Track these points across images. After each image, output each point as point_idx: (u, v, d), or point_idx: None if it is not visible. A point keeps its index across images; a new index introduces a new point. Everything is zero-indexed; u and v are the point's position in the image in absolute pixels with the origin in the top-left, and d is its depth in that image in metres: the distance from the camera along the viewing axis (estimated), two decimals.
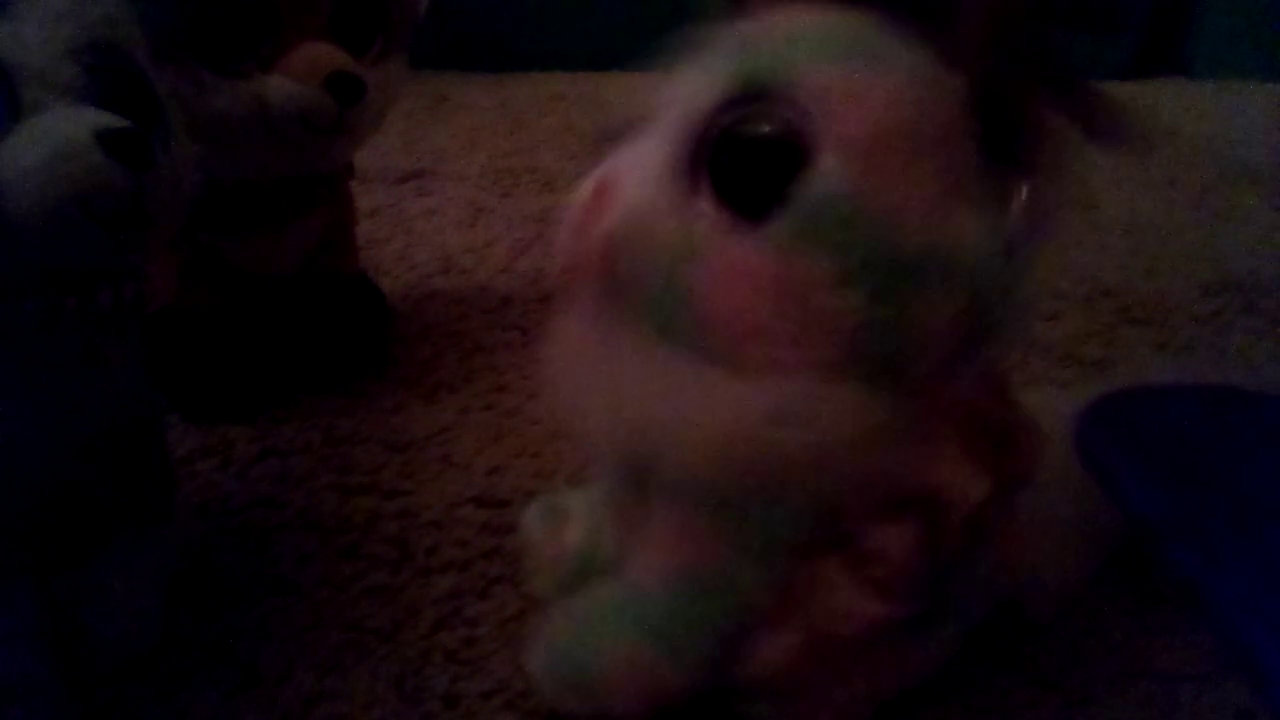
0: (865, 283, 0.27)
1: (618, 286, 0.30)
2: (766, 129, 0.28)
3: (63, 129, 0.30)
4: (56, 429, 0.33)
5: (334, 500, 0.46)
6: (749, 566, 0.31)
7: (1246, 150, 0.96)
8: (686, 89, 0.29)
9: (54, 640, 0.35)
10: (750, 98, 0.28)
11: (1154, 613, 0.40)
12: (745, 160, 0.28)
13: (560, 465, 0.49)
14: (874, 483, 0.29)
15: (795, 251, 0.27)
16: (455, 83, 1.17)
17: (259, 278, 0.53)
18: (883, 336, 0.28)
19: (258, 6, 0.45)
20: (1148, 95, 1.11)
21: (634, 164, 0.30)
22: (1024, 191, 0.28)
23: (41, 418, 0.33)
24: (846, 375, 0.28)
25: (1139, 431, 0.47)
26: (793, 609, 0.31)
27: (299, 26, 0.46)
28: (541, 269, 0.71)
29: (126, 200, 0.31)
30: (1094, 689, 0.36)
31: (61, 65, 0.31)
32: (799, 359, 0.28)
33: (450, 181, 0.88)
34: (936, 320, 0.28)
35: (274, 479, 0.48)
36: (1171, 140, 0.98)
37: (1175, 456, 0.46)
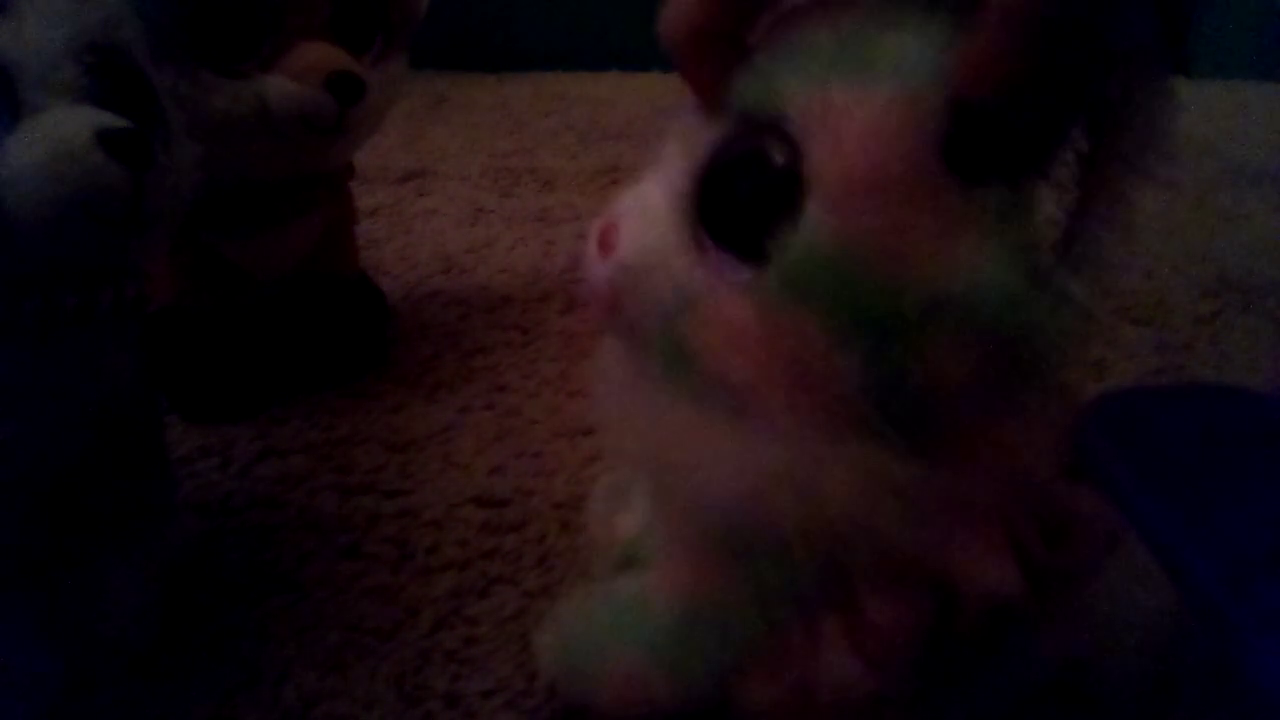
0: (861, 342, 0.24)
1: (628, 327, 0.29)
2: (752, 168, 0.25)
3: (63, 129, 0.30)
4: (56, 429, 0.33)
5: (334, 500, 0.46)
6: (750, 608, 0.30)
7: (1246, 150, 0.96)
8: (691, 117, 0.27)
9: (54, 640, 0.35)
10: (748, 128, 0.26)
11: None
12: (734, 201, 0.26)
13: (561, 465, 0.49)
14: (886, 553, 0.27)
15: (783, 309, 0.25)
16: (455, 83, 1.17)
17: (259, 278, 0.53)
18: (888, 396, 0.25)
19: (258, 6, 0.45)
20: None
21: (641, 201, 0.28)
22: (1057, 205, 0.24)
23: (41, 418, 0.33)
24: (854, 436, 0.25)
25: (1139, 431, 0.47)
26: (785, 658, 0.30)
27: (299, 26, 0.46)
28: (541, 269, 0.71)
29: (126, 200, 0.31)
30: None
31: (61, 65, 0.31)
32: (800, 419, 0.25)
33: (450, 181, 0.88)
34: (950, 371, 0.25)
35: (274, 479, 0.48)
36: (1171, 140, 0.98)
37: (1175, 456, 0.45)
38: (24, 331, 0.31)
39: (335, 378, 0.56)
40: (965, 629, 0.28)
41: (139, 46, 0.35)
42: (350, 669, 0.37)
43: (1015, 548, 0.28)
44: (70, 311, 0.32)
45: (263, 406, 0.53)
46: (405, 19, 0.52)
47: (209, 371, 0.52)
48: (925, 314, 0.24)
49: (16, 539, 0.34)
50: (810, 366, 0.25)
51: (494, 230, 0.78)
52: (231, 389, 0.53)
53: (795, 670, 0.30)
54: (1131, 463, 0.44)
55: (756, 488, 0.26)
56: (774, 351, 0.25)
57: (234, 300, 0.52)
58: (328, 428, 0.52)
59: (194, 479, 0.48)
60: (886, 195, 0.24)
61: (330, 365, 0.56)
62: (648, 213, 0.28)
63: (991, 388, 0.25)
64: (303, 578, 0.42)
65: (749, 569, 0.29)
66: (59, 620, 0.36)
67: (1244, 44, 1.19)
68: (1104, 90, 0.23)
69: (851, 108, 0.24)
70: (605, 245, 0.28)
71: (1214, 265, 0.72)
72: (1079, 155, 0.23)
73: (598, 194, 0.86)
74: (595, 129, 1.03)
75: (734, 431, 0.26)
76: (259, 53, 0.45)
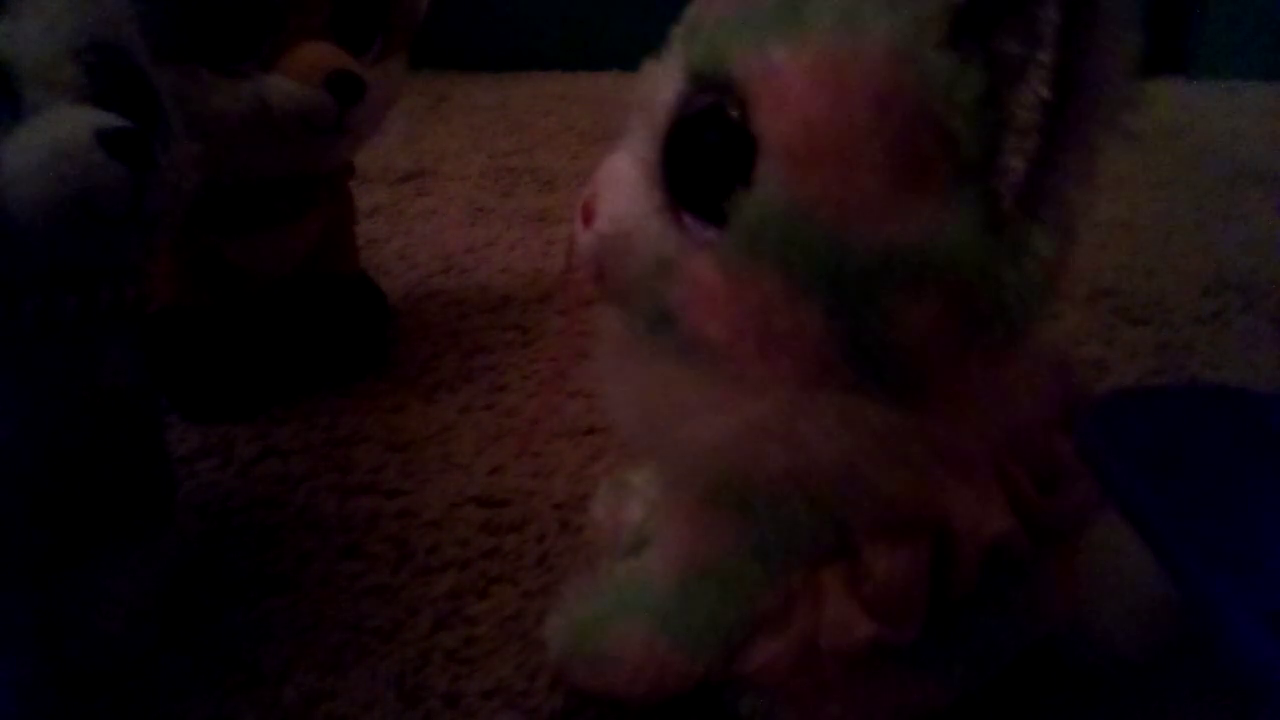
0: (821, 296, 0.25)
1: (614, 292, 0.30)
2: (709, 131, 0.26)
3: (63, 128, 0.30)
4: (57, 429, 0.33)
5: (334, 500, 0.46)
6: (753, 567, 0.31)
7: (1246, 150, 0.96)
8: (650, 83, 0.28)
9: (54, 640, 0.35)
10: (700, 90, 0.26)
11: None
12: (695, 164, 0.27)
13: (560, 465, 0.49)
14: (876, 500, 0.27)
15: (745, 268, 0.26)
16: (455, 83, 1.17)
17: (259, 278, 0.53)
18: (852, 347, 0.26)
19: (258, 6, 0.45)
20: (1148, 95, 1.11)
21: (614, 170, 0.29)
22: (1019, 158, 0.24)
23: (42, 417, 0.33)
24: (831, 386, 0.26)
25: (1139, 431, 0.47)
26: (789, 614, 0.30)
27: (299, 26, 0.46)
28: (541, 269, 0.71)
29: (126, 199, 0.31)
30: (1090, 688, 0.36)
31: (62, 65, 0.31)
32: (776, 373, 0.26)
33: (450, 181, 0.88)
34: (913, 321, 0.25)
35: (274, 479, 0.48)
36: (1171, 140, 0.99)
37: (1175, 456, 0.45)
38: (24, 331, 0.31)
39: (335, 378, 0.56)
40: (965, 575, 0.28)
41: (139, 46, 0.35)
42: (350, 669, 0.37)
43: (1010, 494, 0.29)
44: (70, 311, 0.32)
45: (263, 406, 0.53)
46: (405, 19, 0.52)
47: (209, 371, 0.52)
48: (880, 267, 0.24)
49: (16, 539, 0.34)
50: (776, 321, 0.26)
51: (494, 230, 0.78)
52: (231, 389, 0.53)
53: (799, 624, 0.30)
54: (1131, 463, 0.44)
55: (741, 436, 0.27)
56: (742, 308, 0.26)
57: (234, 300, 0.52)
58: (328, 428, 0.52)
59: (194, 479, 0.48)
60: (831, 152, 0.24)
61: (330, 365, 0.56)
62: (620, 182, 0.29)
63: (959, 337, 0.26)
64: (303, 578, 0.42)
65: (747, 524, 0.30)
66: (59, 620, 0.36)
67: (1244, 44, 1.19)
68: (1074, 35, 0.23)
69: (788, 66, 0.24)
70: (586, 217, 0.29)
71: (1214, 265, 0.72)
72: (1044, 103, 0.23)
73: None
74: (595, 129, 1.03)
75: (717, 384, 0.27)
76: (259, 53, 0.45)
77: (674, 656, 0.32)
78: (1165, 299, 0.67)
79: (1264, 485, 0.43)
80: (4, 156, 0.29)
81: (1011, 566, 0.29)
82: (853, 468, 0.27)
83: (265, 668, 0.37)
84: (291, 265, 0.54)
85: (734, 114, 0.25)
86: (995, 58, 0.23)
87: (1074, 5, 0.23)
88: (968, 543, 0.28)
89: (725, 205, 0.26)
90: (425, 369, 0.57)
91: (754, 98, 0.25)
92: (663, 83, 0.28)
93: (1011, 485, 0.29)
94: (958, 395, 0.27)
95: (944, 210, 0.24)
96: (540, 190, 0.86)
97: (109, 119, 0.31)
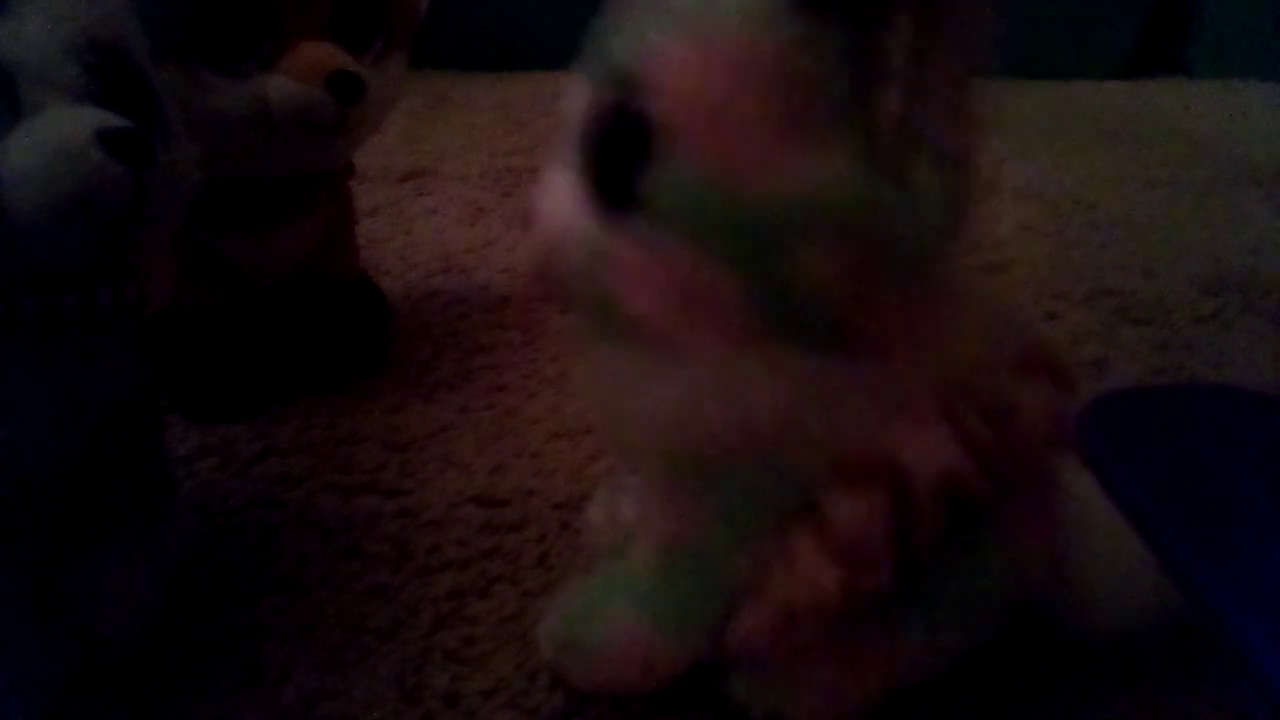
0: (727, 256, 0.27)
1: (561, 292, 0.31)
2: (614, 125, 0.28)
3: (63, 128, 0.30)
4: (56, 428, 0.33)
5: (334, 500, 0.46)
6: (725, 537, 0.32)
7: (1246, 150, 0.96)
8: (576, 89, 0.30)
9: (54, 640, 0.35)
10: (605, 93, 0.28)
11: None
12: (608, 158, 0.29)
13: (560, 465, 0.49)
14: (819, 443, 0.29)
15: (659, 243, 0.27)
16: (455, 82, 1.17)
17: (259, 278, 0.53)
18: (769, 301, 0.27)
19: (258, 6, 0.45)
20: (1148, 95, 1.12)
21: (550, 179, 0.31)
22: (891, 95, 0.25)
23: (41, 417, 0.33)
24: (758, 344, 0.28)
25: (1139, 431, 0.47)
26: (766, 582, 0.31)
27: (299, 26, 0.46)
28: None
29: (127, 200, 0.31)
30: (1093, 688, 0.36)
31: (62, 65, 0.31)
32: (707, 339, 0.28)
33: (450, 181, 0.88)
34: (819, 270, 0.27)
35: (274, 479, 0.48)
36: (1171, 140, 0.99)
37: (1175, 456, 0.45)
38: (24, 331, 0.31)
39: (335, 378, 0.56)
40: (925, 515, 0.29)
41: (139, 46, 0.35)
42: (350, 669, 0.37)
43: (960, 433, 0.30)
44: (70, 311, 0.32)
45: (263, 406, 0.53)
46: (405, 19, 0.52)
47: (209, 371, 0.52)
48: (778, 219, 0.26)
49: (17, 539, 0.34)
50: (696, 289, 0.27)
51: (494, 230, 0.78)
52: (231, 389, 0.53)
53: (776, 592, 0.31)
54: (1131, 463, 0.44)
55: (680, 402, 0.29)
56: (664, 281, 0.28)
57: (234, 300, 0.52)
58: (328, 428, 0.52)
59: (194, 479, 0.48)
60: (711, 119, 0.26)
61: (330, 365, 0.56)
62: (554, 188, 0.31)
63: (869, 280, 0.27)
64: (303, 578, 0.42)
65: (712, 491, 0.31)
66: (59, 620, 0.36)
67: (1244, 44, 1.19)
68: None
69: (664, 50, 0.27)
70: (531, 223, 0.31)
71: (1214, 265, 0.72)
72: (913, 49, 0.25)
73: None
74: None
75: (664, 363, 0.29)
76: (259, 53, 0.45)
77: (659, 639, 0.33)
78: (1165, 299, 0.67)
79: (1264, 485, 0.43)
80: (4, 157, 0.29)
81: (974, 508, 0.30)
82: (790, 415, 0.28)
83: (265, 667, 0.37)
84: (291, 265, 0.54)
85: (634, 106, 0.27)
86: (858, 7, 0.25)
87: None
88: (920, 478, 0.29)
89: (632, 189, 0.27)
90: (425, 369, 0.57)
91: (645, 87, 0.27)
92: (578, 96, 0.30)
93: (960, 424, 0.30)
94: (890, 340, 0.29)
95: (826, 153, 0.26)
96: None
97: (109, 119, 0.31)
